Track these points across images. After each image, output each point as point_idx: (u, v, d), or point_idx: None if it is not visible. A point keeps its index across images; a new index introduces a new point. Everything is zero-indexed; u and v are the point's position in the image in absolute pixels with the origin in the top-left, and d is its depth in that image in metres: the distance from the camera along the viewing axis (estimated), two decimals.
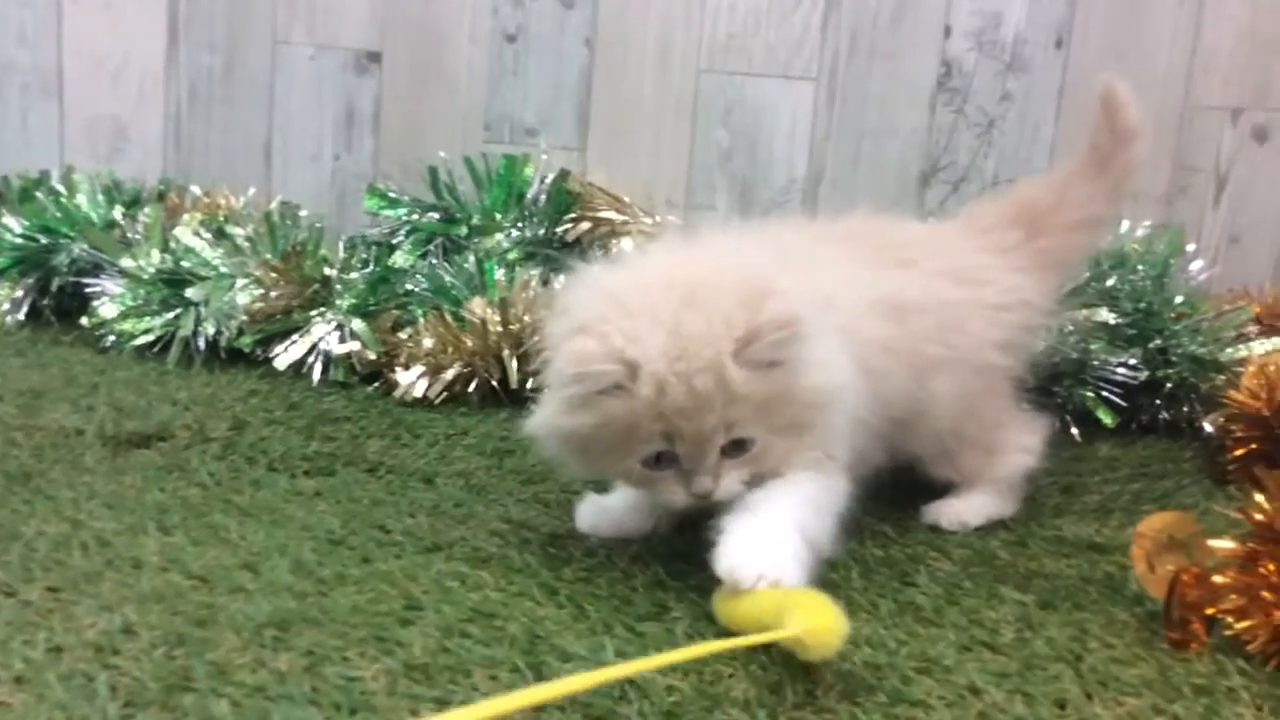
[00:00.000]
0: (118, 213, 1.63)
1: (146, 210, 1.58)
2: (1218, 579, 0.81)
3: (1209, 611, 0.81)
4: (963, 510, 1.06)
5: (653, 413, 0.80)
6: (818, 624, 0.69)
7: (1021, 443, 1.08)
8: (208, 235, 1.51)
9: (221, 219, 1.56)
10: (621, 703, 0.69)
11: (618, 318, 0.82)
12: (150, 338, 1.47)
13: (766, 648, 0.73)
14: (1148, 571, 0.84)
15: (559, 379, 0.83)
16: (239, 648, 0.73)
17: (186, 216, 1.56)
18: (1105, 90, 1.09)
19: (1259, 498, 0.83)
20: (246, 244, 1.49)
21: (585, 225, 1.59)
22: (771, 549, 0.79)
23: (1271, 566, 0.79)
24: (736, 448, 0.84)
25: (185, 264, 1.48)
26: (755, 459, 0.85)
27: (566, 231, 1.58)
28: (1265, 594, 0.79)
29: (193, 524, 0.94)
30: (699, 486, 0.84)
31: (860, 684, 0.72)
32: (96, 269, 1.56)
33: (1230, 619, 0.80)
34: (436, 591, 0.83)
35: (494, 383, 1.40)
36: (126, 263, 1.50)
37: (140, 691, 0.67)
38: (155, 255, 1.50)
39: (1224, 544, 0.83)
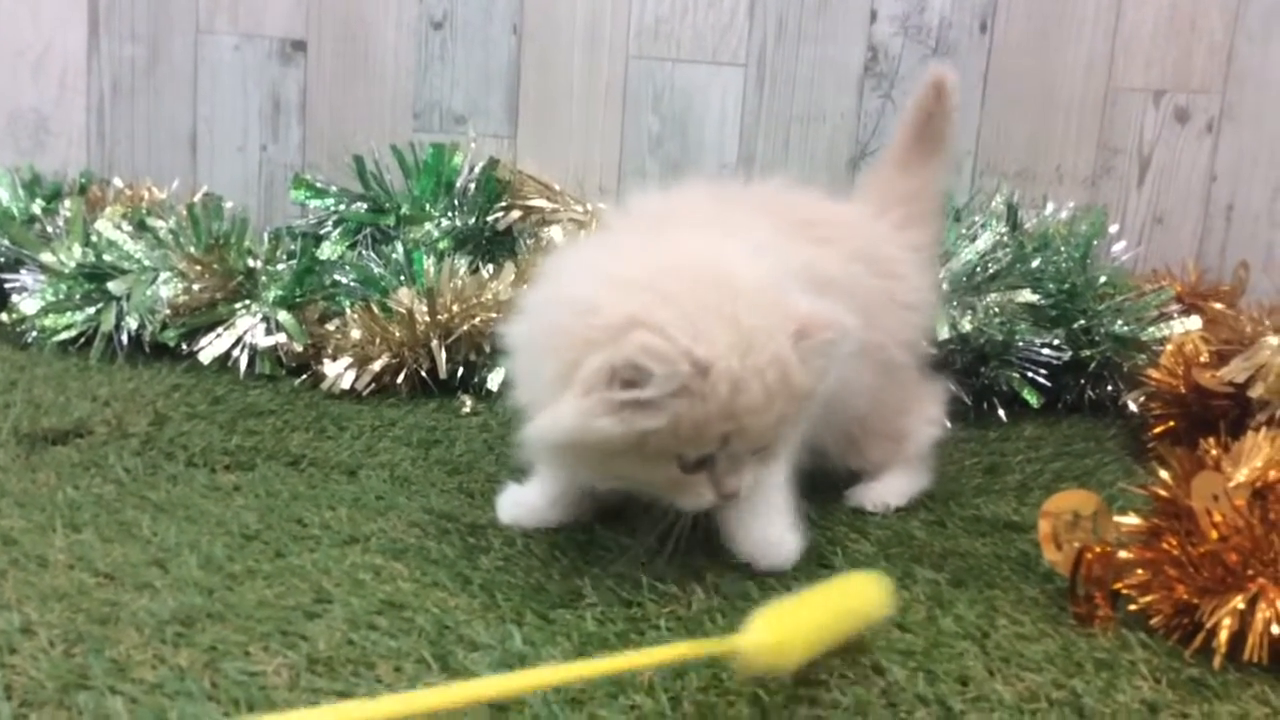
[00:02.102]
0: (38, 207, 1.60)
1: (67, 204, 1.56)
2: (1122, 554, 0.82)
3: (1115, 586, 0.82)
4: (884, 492, 1.07)
5: (726, 412, 0.75)
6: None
7: (925, 415, 1.10)
8: (129, 228, 1.49)
9: (144, 211, 1.54)
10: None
11: (670, 311, 0.75)
12: (72, 333, 1.45)
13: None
14: (1054, 549, 0.86)
15: (616, 377, 0.74)
16: (140, 644, 0.72)
17: (109, 210, 1.53)
18: (938, 78, 1.11)
19: (1163, 473, 0.84)
20: (169, 236, 1.46)
21: (516, 214, 1.58)
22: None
23: (1174, 541, 0.81)
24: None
25: (107, 258, 1.46)
26: (771, 451, 0.84)
27: (497, 220, 1.57)
28: (1168, 569, 0.80)
29: (104, 521, 0.93)
30: (730, 487, 0.80)
31: None
32: (17, 264, 1.53)
33: (1134, 594, 0.81)
34: (348, 584, 0.83)
35: (423, 373, 1.39)
36: (47, 257, 1.48)
37: (36, 691, 0.66)
38: (77, 249, 1.48)
39: (1128, 520, 0.84)
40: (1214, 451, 0.84)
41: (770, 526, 0.89)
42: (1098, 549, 0.82)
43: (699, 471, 0.80)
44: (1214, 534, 0.78)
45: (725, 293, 0.77)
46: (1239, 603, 0.75)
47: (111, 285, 1.44)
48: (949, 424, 1.27)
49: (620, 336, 0.74)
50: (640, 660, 0.65)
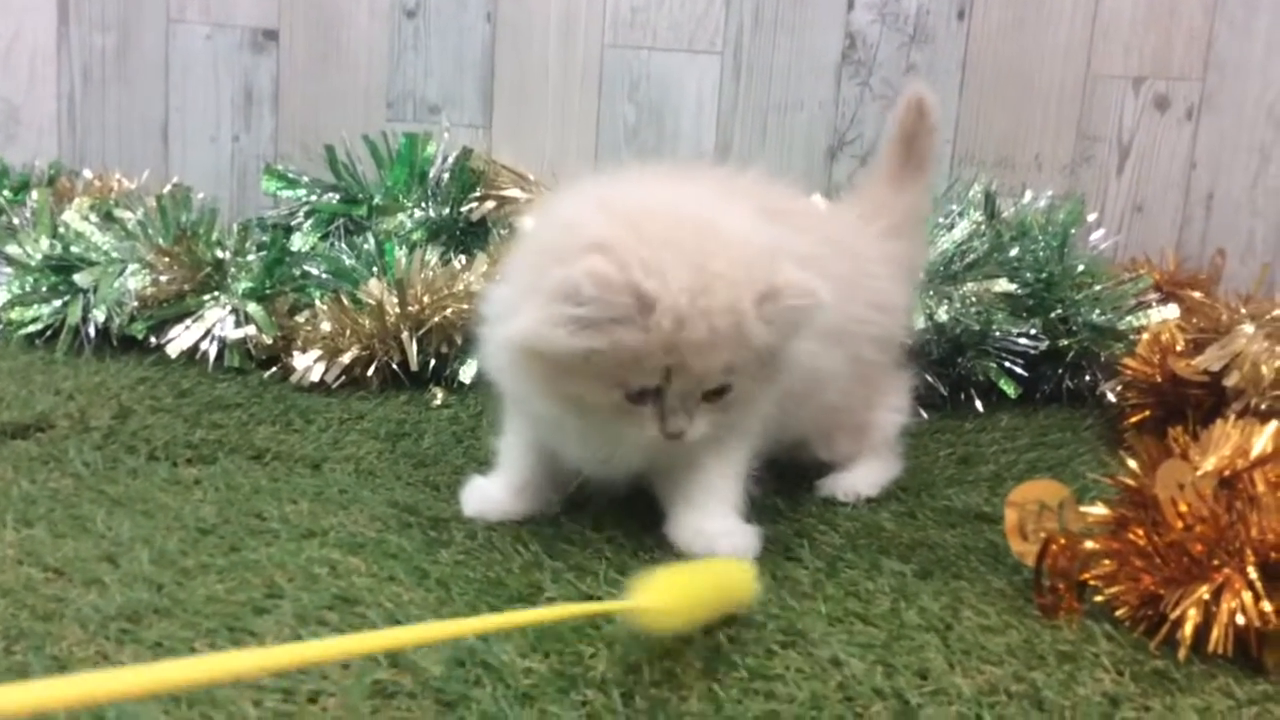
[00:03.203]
0: (4, 198, 1.58)
1: (35, 195, 1.54)
2: (1088, 545, 0.81)
3: (1081, 577, 0.81)
4: (856, 481, 1.06)
5: (668, 345, 0.78)
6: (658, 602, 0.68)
7: (890, 404, 1.09)
8: (97, 219, 1.47)
9: (112, 203, 1.52)
10: (476, 687, 0.67)
11: (635, 243, 0.78)
12: (39, 326, 1.43)
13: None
14: (1021, 539, 0.84)
15: (565, 294, 0.77)
16: (83, 641, 0.70)
17: (76, 201, 1.51)
18: (917, 98, 1.11)
19: (1131, 463, 0.83)
20: (137, 228, 1.45)
21: (490, 204, 1.56)
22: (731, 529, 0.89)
23: (1140, 532, 0.79)
24: (717, 393, 0.83)
25: (74, 249, 1.44)
26: (725, 405, 0.84)
27: (471, 211, 1.56)
28: (1134, 559, 0.79)
29: (58, 515, 0.91)
30: (675, 425, 0.82)
31: (722, 660, 0.71)
32: None
33: (1100, 585, 0.80)
34: (301, 579, 0.81)
35: (394, 365, 1.37)
36: (13, 249, 1.46)
37: None
38: (44, 241, 1.46)
39: (1095, 510, 0.83)
40: (1182, 440, 0.83)
41: (725, 519, 0.89)
42: (1063, 539, 0.81)
43: (645, 403, 0.82)
44: (1179, 524, 0.76)
45: (703, 239, 0.80)
46: (1204, 593, 0.74)
47: (78, 277, 1.42)
48: (924, 414, 1.27)
49: (581, 256, 0.77)
50: (532, 617, 0.69)
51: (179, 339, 1.40)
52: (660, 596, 0.67)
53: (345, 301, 1.38)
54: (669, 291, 0.77)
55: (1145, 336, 1.27)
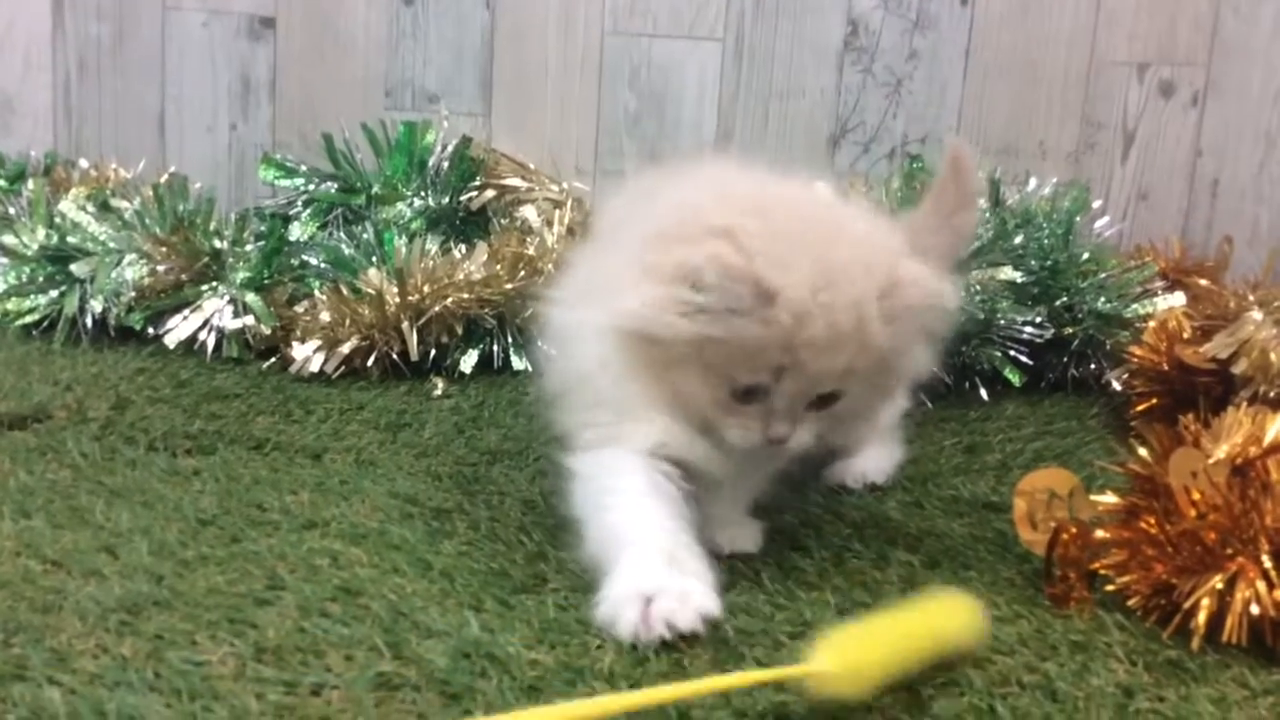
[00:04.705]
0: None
1: (30, 185, 1.52)
2: (1099, 534, 0.80)
3: (1092, 567, 0.80)
4: (865, 467, 1.06)
5: (785, 342, 0.73)
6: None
7: None
8: (93, 209, 1.45)
9: (108, 192, 1.50)
10: (481, 678, 0.66)
11: (758, 231, 0.74)
12: (35, 317, 1.42)
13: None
14: (1030, 528, 0.83)
15: (683, 276, 0.74)
16: (82, 634, 0.69)
17: (73, 191, 1.50)
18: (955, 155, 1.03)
19: (1142, 451, 0.82)
20: (134, 217, 1.43)
21: (490, 193, 1.55)
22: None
23: (1152, 520, 0.79)
24: (826, 400, 0.78)
25: (71, 240, 1.43)
26: (834, 416, 0.80)
27: (470, 200, 1.54)
28: (1146, 548, 0.78)
29: (57, 507, 0.90)
30: (777, 431, 0.77)
31: (730, 652, 0.70)
32: None
33: (1112, 574, 0.79)
34: (303, 570, 0.80)
35: (394, 355, 1.36)
36: (9, 240, 1.44)
37: None
38: (40, 232, 1.44)
39: (1106, 498, 0.82)
40: (1193, 428, 0.82)
41: (729, 511, 0.87)
42: (1074, 528, 0.80)
43: (751, 404, 0.77)
44: (1192, 512, 0.76)
45: (826, 228, 0.77)
46: (1218, 582, 0.73)
47: (75, 267, 1.41)
48: (928, 403, 1.27)
49: (704, 240, 0.74)
50: (708, 686, 0.64)
51: (177, 329, 1.39)
52: (847, 657, 0.63)
53: (344, 291, 1.37)
54: (790, 284, 0.73)
55: (1152, 324, 1.25)
